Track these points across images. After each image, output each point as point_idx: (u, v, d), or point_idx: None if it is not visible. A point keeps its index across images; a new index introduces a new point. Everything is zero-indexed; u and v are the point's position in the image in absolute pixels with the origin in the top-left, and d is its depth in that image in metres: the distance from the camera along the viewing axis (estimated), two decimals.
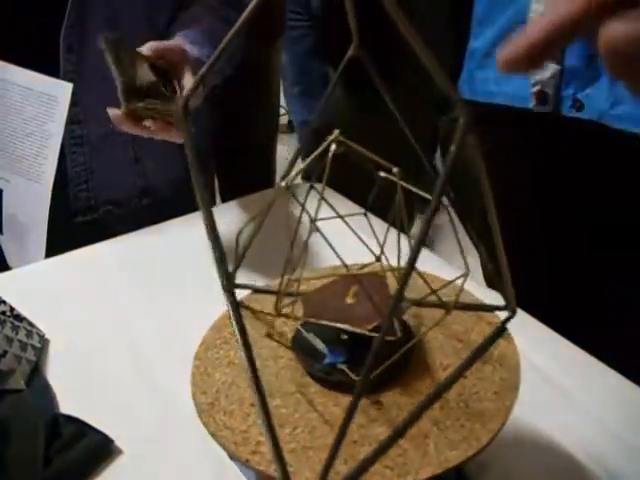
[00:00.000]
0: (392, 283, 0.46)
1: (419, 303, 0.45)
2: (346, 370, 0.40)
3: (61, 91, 0.81)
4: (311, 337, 0.42)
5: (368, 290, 0.43)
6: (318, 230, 0.41)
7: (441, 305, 0.44)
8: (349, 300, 0.43)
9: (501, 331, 0.38)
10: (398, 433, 0.31)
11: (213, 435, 0.40)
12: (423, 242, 0.25)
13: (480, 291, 0.48)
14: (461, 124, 0.25)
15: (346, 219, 0.47)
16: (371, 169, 0.40)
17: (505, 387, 0.41)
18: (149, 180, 0.94)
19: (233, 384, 0.43)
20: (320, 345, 0.42)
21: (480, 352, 0.36)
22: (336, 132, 0.40)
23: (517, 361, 0.42)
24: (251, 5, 0.28)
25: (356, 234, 0.47)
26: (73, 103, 0.82)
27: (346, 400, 0.40)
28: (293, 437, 0.39)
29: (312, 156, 0.40)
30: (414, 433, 0.37)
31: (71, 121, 0.84)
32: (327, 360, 0.41)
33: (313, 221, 0.41)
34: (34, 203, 0.85)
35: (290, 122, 3.08)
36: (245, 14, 0.29)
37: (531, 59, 0.27)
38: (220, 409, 0.41)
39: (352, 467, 0.30)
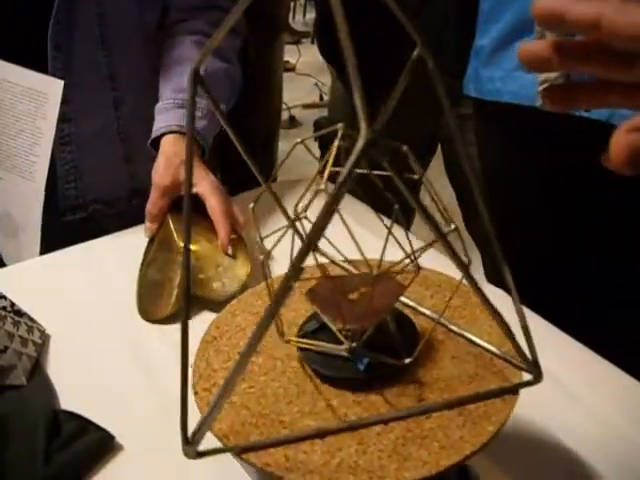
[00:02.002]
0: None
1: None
2: (388, 360, 0.40)
3: (52, 88, 0.84)
4: (323, 347, 0.42)
5: (376, 290, 0.43)
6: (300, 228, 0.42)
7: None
8: (352, 296, 0.44)
9: (509, 393, 0.37)
10: (321, 433, 0.34)
11: (194, 362, 0.44)
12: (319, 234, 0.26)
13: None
14: (359, 144, 0.25)
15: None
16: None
17: (467, 442, 0.37)
18: (140, 181, 0.96)
19: (242, 330, 0.47)
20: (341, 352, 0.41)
21: (464, 403, 0.36)
22: (339, 126, 0.41)
23: (496, 429, 0.37)
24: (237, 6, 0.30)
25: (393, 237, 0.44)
26: (62, 101, 0.84)
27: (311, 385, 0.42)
28: (242, 393, 0.41)
29: (329, 162, 0.40)
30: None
31: (60, 119, 0.86)
32: (360, 364, 0.41)
33: (296, 220, 0.42)
34: (27, 201, 0.88)
35: (291, 117, 3.13)
36: (230, 13, 0.31)
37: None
38: (216, 345, 0.46)
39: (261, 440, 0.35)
